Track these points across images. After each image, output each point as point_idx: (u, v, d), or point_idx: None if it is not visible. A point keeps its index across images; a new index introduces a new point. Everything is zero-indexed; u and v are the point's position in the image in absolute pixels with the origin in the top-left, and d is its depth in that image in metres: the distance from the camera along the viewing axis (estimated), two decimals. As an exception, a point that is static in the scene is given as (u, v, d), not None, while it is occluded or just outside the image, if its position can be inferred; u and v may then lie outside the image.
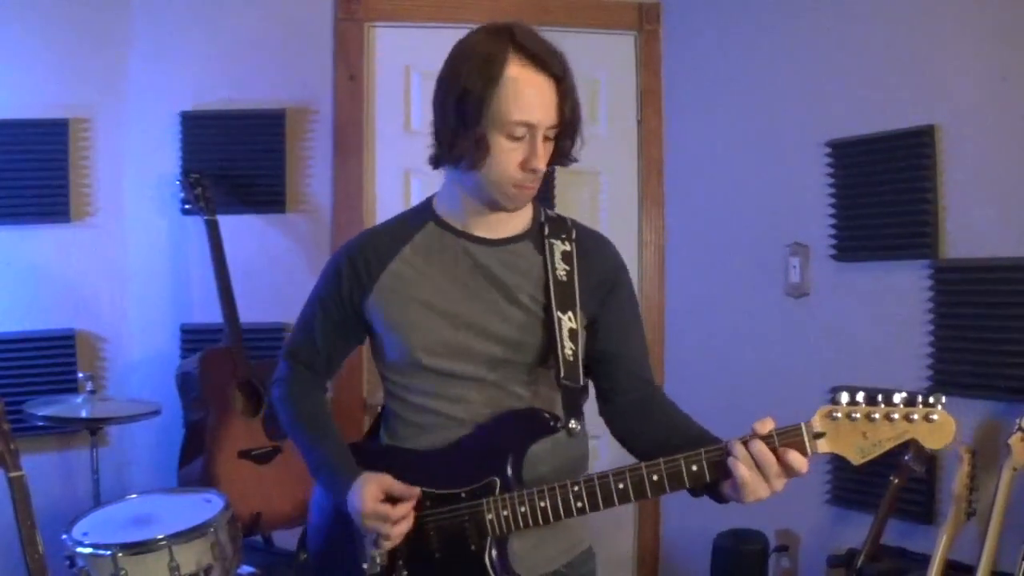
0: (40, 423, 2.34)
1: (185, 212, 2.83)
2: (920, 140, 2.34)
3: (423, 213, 1.52)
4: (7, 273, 2.75)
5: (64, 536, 1.91)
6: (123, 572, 1.83)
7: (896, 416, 1.19)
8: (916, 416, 1.18)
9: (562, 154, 1.42)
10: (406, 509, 1.36)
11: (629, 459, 1.39)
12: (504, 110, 1.32)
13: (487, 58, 1.33)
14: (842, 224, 2.56)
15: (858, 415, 1.19)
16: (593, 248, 1.51)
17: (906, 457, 2.19)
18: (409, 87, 3.02)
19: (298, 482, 2.58)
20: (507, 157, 1.34)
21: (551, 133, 1.37)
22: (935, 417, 1.19)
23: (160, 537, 1.88)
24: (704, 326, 2.99)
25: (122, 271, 2.87)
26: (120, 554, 1.84)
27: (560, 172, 2.93)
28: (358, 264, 1.47)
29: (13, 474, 1.85)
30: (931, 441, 1.19)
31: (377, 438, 1.57)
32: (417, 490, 1.38)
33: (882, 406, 1.20)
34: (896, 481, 2.21)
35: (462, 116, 1.33)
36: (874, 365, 2.46)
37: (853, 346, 2.53)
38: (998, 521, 1.99)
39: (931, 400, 1.20)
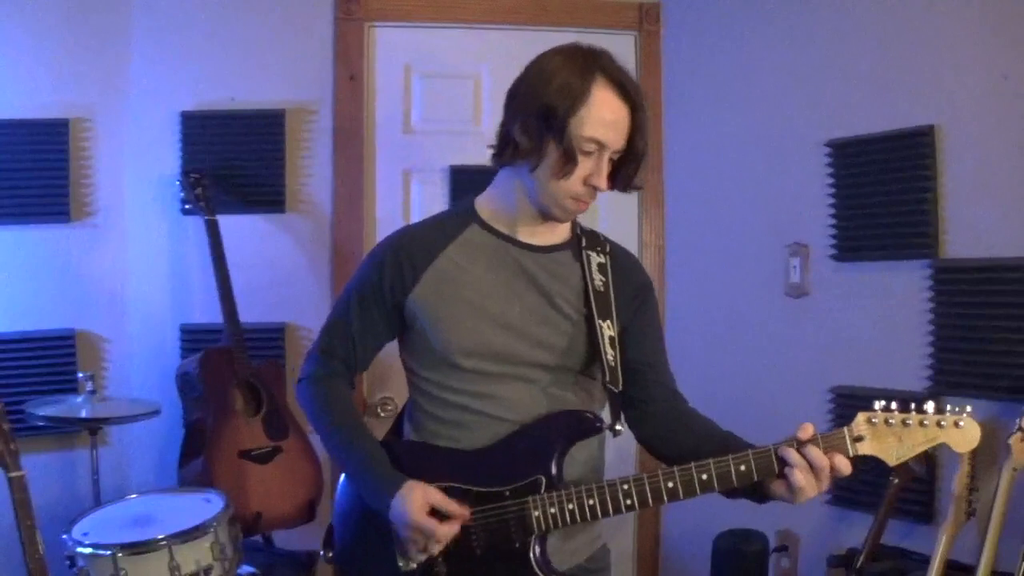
0: (40, 423, 2.34)
1: (185, 212, 2.83)
2: (920, 140, 2.34)
3: (465, 214, 1.55)
4: (7, 273, 2.75)
5: (64, 536, 1.91)
6: (123, 572, 1.83)
7: (928, 423, 1.30)
8: (946, 423, 1.30)
9: (624, 180, 1.48)
10: (453, 529, 1.38)
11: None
12: (582, 125, 1.38)
13: (576, 77, 1.39)
14: (842, 224, 2.56)
15: (894, 421, 1.31)
16: (626, 263, 1.59)
17: (906, 457, 2.20)
18: (409, 87, 3.02)
19: (298, 482, 2.59)
20: (575, 170, 1.41)
21: (615, 156, 1.44)
22: (963, 424, 1.30)
23: (160, 537, 1.88)
24: (704, 326, 2.99)
25: (122, 271, 2.87)
26: (120, 554, 1.84)
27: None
28: (402, 259, 1.50)
29: (13, 474, 1.85)
30: (960, 445, 1.31)
31: (402, 435, 1.59)
32: (467, 512, 1.39)
33: (915, 413, 1.31)
34: (896, 481, 2.21)
35: (550, 128, 1.38)
36: (874, 365, 2.46)
37: (853, 346, 2.53)
38: (998, 521, 1.99)
39: (958, 409, 1.31)
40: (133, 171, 2.88)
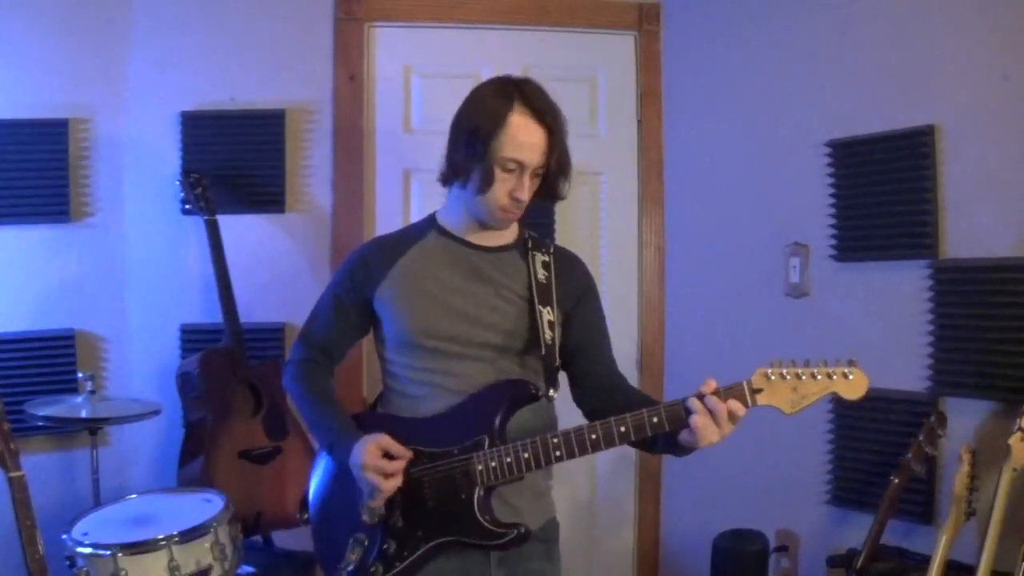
0: (40, 423, 2.34)
1: (185, 212, 2.82)
2: (920, 140, 2.34)
3: (427, 224, 1.81)
4: (7, 273, 2.75)
5: (64, 536, 1.91)
6: (123, 572, 1.83)
7: (819, 375, 1.45)
8: (835, 375, 1.45)
9: (549, 192, 1.71)
10: (399, 466, 1.59)
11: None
12: (502, 147, 1.61)
13: (496, 104, 1.63)
14: (842, 224, 2.56)
15: (788, 375, 1.46)
16: (568, 262, 1.82)
17: (906, 457, 2.20)
18: (409, 87, 3.02)
19: (298, 482, 2.57)
20: (499, 186, 1.64)
21: (539, 172, 1.67)
22: (851, 375, 1.45)
23: (160, 537, 1.89)
24: (704, 326, 2.99)
25: (122, 271, 2.87)
26: (120, 554, 1.84)
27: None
28: (370, 262, 1.75)
29: (13, 474, 1.85)
30: (849, 393, 1.46)
31: (375, 411, 1.82)
32: (410, 453, 1.61)
33: (807, 368, 1.46)
34: (896, 481, 2.21)
35: (473, 150, 1.62)
36: (874, 365, 2.42)
37: (853, 346, 2.49)
38: (998, 521, 1.99)
39: (847, 362, 1.46)
40: (133, 171, 2.88)
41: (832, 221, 2.58)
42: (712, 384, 1.49)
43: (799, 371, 1.45)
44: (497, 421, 1.61)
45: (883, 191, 2.44)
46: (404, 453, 1.60)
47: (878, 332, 2.47)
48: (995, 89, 2.22)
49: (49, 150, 2.76)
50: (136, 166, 2.88)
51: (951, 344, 2.30)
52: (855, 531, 2.43)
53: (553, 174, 1.67)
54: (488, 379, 1.67)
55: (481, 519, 1.58)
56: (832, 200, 2.58)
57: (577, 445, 1.53)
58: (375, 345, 1.80)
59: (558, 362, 1.72)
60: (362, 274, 1.75)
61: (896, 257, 2.42)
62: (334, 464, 1.72)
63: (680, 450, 1.54)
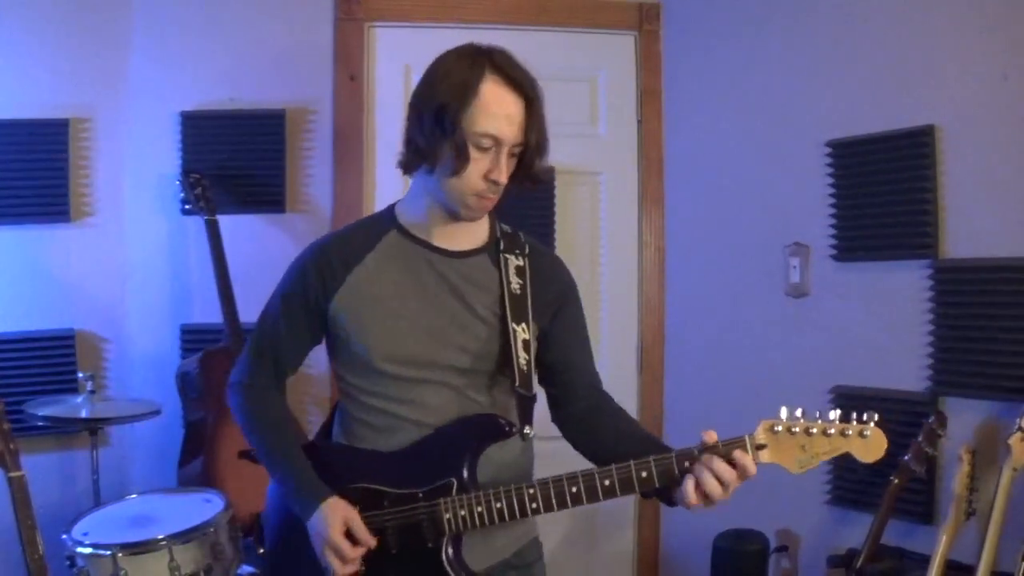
0: (40, 423, 2.34)
1: (185, 212, 2.82)
2: (920, 140, 2.34)
3: (386, 221, 1.57)
4: (7, 273, 2.75)
5: (64, 536, 1.91)
6: (123, 572, 1.83)
7: (832, 432, 1.28)
8: (851, 432, 1.27)
9: (526, 175, 1.48)
10: (359, 554, 1.42)
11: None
12: (474, 121, 1.39)
13: (465, 73, 1.41)
14: (842, 224, 2.56)
15: (797, 429, 1.29)
16: (545, 265, 1.59)
17: (906, 457, 2.20)
18: (409, 87, 2.95)
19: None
20: (473, 167, 1.41)
21: (516, 151, 1.44)
22: (868, 434, 1.27)
23: (160, 537, 1.88)
24: (704, 326, 2.99)
25: (122, 271, 2.87)
26: (120, 554, 1.84)
27: (560, 172, 2.93)
28: (323, 268, 1.52)
29: (13, 474, 1.85)
30: (865, 455, 1.28)
31: (331, 437, 1.62)
32: (373, 541, 1.43)
33: (819, 422, 1.29)
34: (896, 481, 2.21)
35: (442, 126, 1.40)
36: (874, 365, 2.46)
37: (853, 346, 2.53)
38: (998, 521, 1.99)
39: (864, 418, 1.28)
40: (133, 171, 2.88)
41: (832, 221, 2.58)
42: (713, 435, 1.32)
43: (809, 425, 1.28)
44: (465, 462, 1.44)
45: (883, 191, 2.43)
46: (368, 541, 1.42)
47: (878, 332, 2.47)
48: (995, 89, 2.22)
49: (49, 150, 2.76)
50: (136, 166, 2.88)
51: (951, 344, 2.30)
52: (855, 531, 2.43)
53: (531, 152, 1.45)
54: (455, 409, 1.49)
55: (450, 571, 1.43)
56: (832, 200, 2.57)
57: (556, 499, 1.37)
58: (329, 359, 1.60)
59: (534, 391, 1.52)
60: (315, 282, 1.51)
61: (896, 257, 2.42)
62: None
63: (672, 503, 1.39)
